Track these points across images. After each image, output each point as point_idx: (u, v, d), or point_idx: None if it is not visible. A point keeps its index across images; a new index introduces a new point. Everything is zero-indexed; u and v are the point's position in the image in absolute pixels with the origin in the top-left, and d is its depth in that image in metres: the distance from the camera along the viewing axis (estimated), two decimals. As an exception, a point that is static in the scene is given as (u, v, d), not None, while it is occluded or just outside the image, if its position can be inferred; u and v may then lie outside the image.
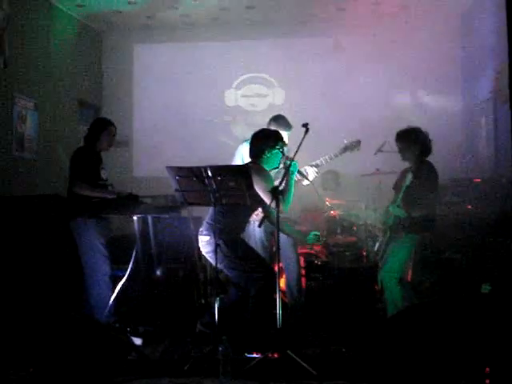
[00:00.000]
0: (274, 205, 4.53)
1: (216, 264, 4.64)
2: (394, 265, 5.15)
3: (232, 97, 9.33)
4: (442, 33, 8.16)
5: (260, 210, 5.26)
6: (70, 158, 5.51)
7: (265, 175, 4.79)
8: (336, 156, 5.78)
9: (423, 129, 5.29)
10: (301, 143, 4.64)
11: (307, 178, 5.49)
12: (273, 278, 4.61)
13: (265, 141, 4.90)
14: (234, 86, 9.33)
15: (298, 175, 5.28)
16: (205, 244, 4.86)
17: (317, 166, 5.70)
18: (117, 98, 9.32)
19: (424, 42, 8.16)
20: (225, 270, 4.88)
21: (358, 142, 5.83)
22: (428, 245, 5.50)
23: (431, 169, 5.23)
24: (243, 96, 9.30)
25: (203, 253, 4.94)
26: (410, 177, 5.12)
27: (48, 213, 5.98)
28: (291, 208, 5.39)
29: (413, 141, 5.25)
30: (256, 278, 4.76)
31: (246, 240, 5.17)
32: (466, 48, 8.52)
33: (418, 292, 5.40)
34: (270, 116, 5.83)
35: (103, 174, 5.50)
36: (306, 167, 5.60)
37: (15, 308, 5.23)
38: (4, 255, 5.61)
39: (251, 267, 4.76)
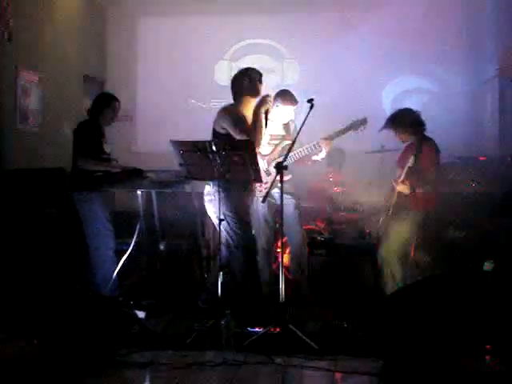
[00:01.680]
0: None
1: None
2: (395, 241, 5.18)
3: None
4: (448, 10, 8.09)
5: (264, 185, 5.26)
6: (72, 132, 5.51)
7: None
8: (342, 133, 5.75)
9: (413, 108, 5.37)
10: (306, 118, 4.63)
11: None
12: (251, 253, 4.78)
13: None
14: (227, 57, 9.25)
15: (312, 148, 5.31)
16: (206, 193, 4.97)
17: (331, 138, 5.66)
18: (121, 72, 9.26)
19: (430, 20, 8.09)
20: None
21: (365, 120, 5.80)
22: (432, 222, 5.50)
23: (431, 145, 5.26)
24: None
25: (205, 202, 4.98)
26: (412, 158, 5.14)
27: (52, 186, 5.99)
28: (297, 184, 5.42)
29: (402, 123, 5.32)
30: (236, 255, 4.84)
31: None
32: (471, 25, 8.43)
33: (419, 269, 5.42)
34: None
35: (106, 148, 5.50)
36: (320, 140, 5.54)
37: (19, 281, 5.26)
38: (8, 228, 5.63)
39: (233, 226, 4.83)
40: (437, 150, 5.28)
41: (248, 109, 4.96)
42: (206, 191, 4.98)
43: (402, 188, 5.19)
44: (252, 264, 4.87)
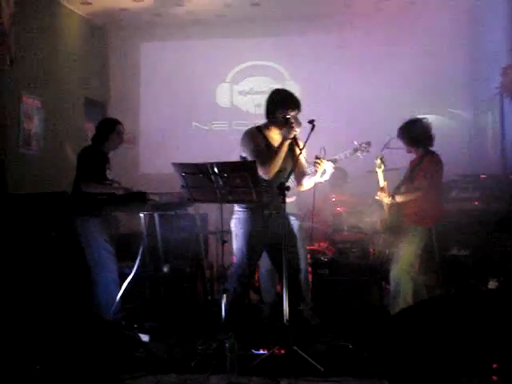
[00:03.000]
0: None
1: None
2: (403, 258, 5.17)
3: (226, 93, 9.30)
4: (448, 29, 8.13)
5: None
6: (76, 157, 5.53)
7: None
8: (346, 157, 5.81)
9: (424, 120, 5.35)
10: (307, 139, 4.63)
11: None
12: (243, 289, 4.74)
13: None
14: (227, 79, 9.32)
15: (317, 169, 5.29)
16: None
17: (334, 161, 5.66)
18: (123, 96, 9.31)
19: (430, 38, 8.13)
20: None
21: (368, 144, 5.87)
22: (434, 241, 5.49)
23: (432, 159, 5.25)
24: (240, 93, 9.35)
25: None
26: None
27: (55, 210, 6.00)
28: (300, 206, 5.40)
29: (408, 133, 5.33)
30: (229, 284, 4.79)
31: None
32: (473, 43, 8.47)
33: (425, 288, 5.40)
34: None
35: (109, 175, 5.52)
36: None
37: (22, 305, 5.25)
38: (10, 252, 5.63)
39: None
40: (436, 164, 5.24)
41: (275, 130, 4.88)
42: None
43: (381, 196, 5.25)
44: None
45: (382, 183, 5.36)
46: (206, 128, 8.60)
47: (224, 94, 9.32)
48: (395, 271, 5.24)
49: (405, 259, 5.19)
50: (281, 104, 4.74)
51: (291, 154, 4.80)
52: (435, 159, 5.26)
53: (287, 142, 4.68)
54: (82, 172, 5.40)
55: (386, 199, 5.27)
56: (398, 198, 5.23)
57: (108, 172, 5.52)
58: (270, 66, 9.21)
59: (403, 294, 5.16)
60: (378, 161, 5.39)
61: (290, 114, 4.70)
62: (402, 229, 5.26)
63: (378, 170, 5.38)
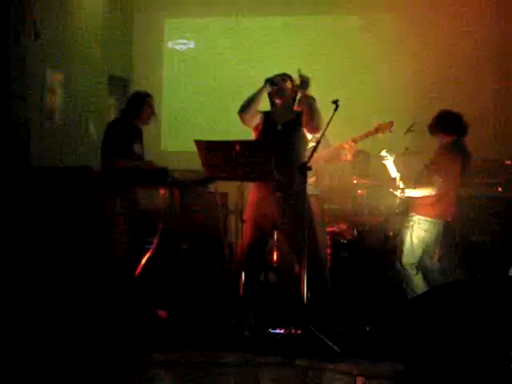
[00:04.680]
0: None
1: None
2: (404, 249, 5.12)
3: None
4: (476, 9, 7.98)
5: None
6: (104, 131, 5.50)
7: None
8: (367, 136, 5.73)
9: (454, 110, 5.22)
10: (330, 119, 4.60)
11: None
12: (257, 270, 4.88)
13: None
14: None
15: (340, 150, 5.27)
16: None
17: (355, 140, 5.62)
18: (146, 72, 9.29)
19: (457, 19, 7.99)
20: None
21: (391, 124, 5.78)
22: (455, 227, 5.44)
23: (449, 153, 5.08)
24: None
25: None
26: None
27: (77, 185, 6.02)
28: (321, 185, 5.38)
29: (436, 125, 5.19)
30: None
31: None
32: (502, 23, 8.30)
33: (444, 275, 5.36)
34: None
35: (136, 149, 5.47)
36: (345, 144, 5.50)
37: (42, 278, 5.31)
38: (31, 225, 5.68)
39: None
40: (454, 159, 5.07)
41: None
42: None
43: (393, 188, 5.14)
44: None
45: (395, 174, 5.18)
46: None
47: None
48: (398, 265, 5.18)
49: (405, 251, 5.13)
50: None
51: (301, 130, 4.86)
52: (454, 154, 5.08)
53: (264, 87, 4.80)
54: (107, 146, 5.37)
55: (397, 192, 5.12)
56: (409, 193, 5.08)
57: (136, 147, 5.46)
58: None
59: (411, 287, 5.11)
60: (384, 153, 5.23)
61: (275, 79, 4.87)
62: (406, 217, 5.19)
63: (385, 162, 5.23)
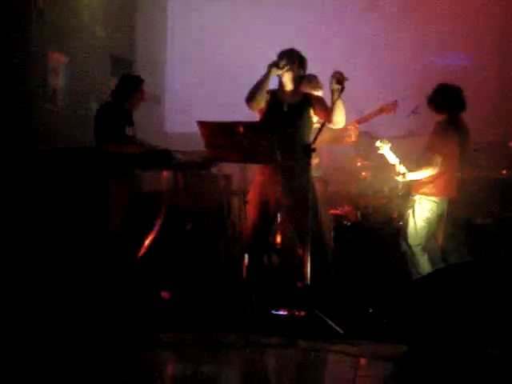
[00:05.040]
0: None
1: None
2: (409, 230, 5.11)
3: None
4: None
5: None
6: (96, 113, 5.48)
7: None
8: (371, 118, 5.72)
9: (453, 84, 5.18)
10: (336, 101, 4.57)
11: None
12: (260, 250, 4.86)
13: None
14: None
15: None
16: None
17: (359, 122, 5.61)
18: (150, 53, 9.24)
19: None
20: None
21: (395, 104, 5.75)
22: (458, 210, 5.42)
23: (443, 129, 5.05)
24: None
25: None
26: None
27: (79, 166, 6.02)
28: (324, 169, 5.36)
29: (433, 99, 5.14)
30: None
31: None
32: (504, 4, 8.22)
33: (446, 258, 5.36)
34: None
35: (129, 132, 5.45)
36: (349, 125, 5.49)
37: (50, 261, 5.32)
38: (35, 207, 5.68)
39: None
40: (449, 135, 5.03)
41: None
42: None
43: (394, 174, 5.12)
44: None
45: (393, 161, 5.15)
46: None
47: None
48: (404, 246, 5.18)
49: (410, 231, 5.12)
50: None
51: (308, 112, 4.80)
52: (449, 130, 5.03)
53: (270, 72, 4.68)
54: (100, 130, 5.35)
55: (398, 177, 5.11)
56: (410, 176, 5.07)
57: (129, 129, 5.45)
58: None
59: (415, 268, 5.12)
60: (378, 143, 5.17)
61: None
62: (409, 198, 5.18)
63: (381, 152, 5.18)
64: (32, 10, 6.49)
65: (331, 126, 4.74)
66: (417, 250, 5.10)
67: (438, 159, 4.96)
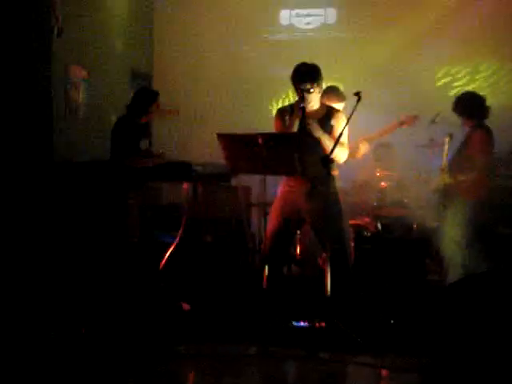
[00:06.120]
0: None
1: None
2: (451, 230, 5.13)
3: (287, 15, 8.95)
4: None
5: None
6: (112, 127, 5.53)
7: None
8: (391, 131, 5.75)
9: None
10: (352, 112, 4.57)
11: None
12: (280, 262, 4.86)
13: None
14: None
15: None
16: None
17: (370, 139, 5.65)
18: (168, 67, 9.30)
19: (479, 9, 7.87)
20: None
21: (415, 117, 5.77)
22: (479, 218, 5.40)
23: (483, 132, 5.16)
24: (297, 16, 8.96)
25: None
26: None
27: (99, 179, 6.06)
28: (344, 180, 5.36)
29: (461, 106, 5.22)
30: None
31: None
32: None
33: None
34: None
35: (144, 145, 5.50)
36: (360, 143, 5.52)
37: (69, 271, 5.35)
38: (56, 220, 5.72)
39: None
40: (488, 139, 5.17)
41: None
42: None
43: (443, 177, 5.15)
44: None
45: (444, 164, 5.25)
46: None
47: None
48: (444, 244, 5.20)
49: (450, 231, 5.14)
50: (292, 78, 4.73)
51: (329, 126, 4.76)
52: (486, 135, 5.16)
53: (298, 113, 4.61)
54: (116, 144, 5.40)
55: (448, 180, 5.18)
56: (460, 177, 5.13)
57: (144, 142, 5.49)
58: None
59: (453, 267, 5.13)
60: (448, 138, 5.26)
61: (301, 87, 4.63)
62: (452, 200, 5.19)
63: (446, 146, 5.25)
64: (53, 25, 6.57)
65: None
66: (458, 249, 5.13)
67: (481, 162, 5.05)
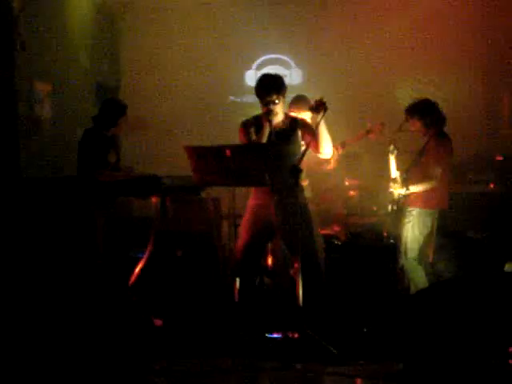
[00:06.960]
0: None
1: None
2: (409, 243, 5.13)
3: (253, 76, 9.16)
4: (466, 4, 7.97)
5: None
6: (79, 140, 5.46)
7: None
8: (357, 140, 5.78)
9: (434, 101, 5.24)
10: (319, 122, 4.57)
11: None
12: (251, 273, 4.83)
13: None
14: (253, 67, 9.29)
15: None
16: None
17: (342, 145, 5.68)
18: (134, 79, 9.25)
19: (445, 15, 7.99)
20: None
21: (382, 125, 5.79)
22: (449, 224, 5.45)
23: (441, 142, 5.13)
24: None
25: None
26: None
27: (65, 195, 5.98)
28: (313, 187, 5.36)
29: (418, 111, 5.17)
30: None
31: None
32: (491, 21, 8.30)
33: (436, 272, 5.37)
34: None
35: (111, 158, 5.43)
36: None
37: (38, 288, 5.27)
38: (21, 235, 5.63)
39: None
40: (446, 148, 5.14)
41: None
42: None
43: (394, 187, 5.13)
44: None
45: (395, 173, 5.17)
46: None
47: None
48: (403, 260, 5.21)
49: (408, 244, 5.14)
50: (257, 90, 4.73)
51: (295, 136, 4.76)
52: (445, 143, 5.14)
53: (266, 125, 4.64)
54: (83, 157, 5.34)
55: (401, 190, 5.13)
56: (413, 189, 5.10)
57: (110, 156, 5.41)
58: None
59: (414, 282, 5.14)
60: (391, 147, 5.19)
61: (267, 99, 4.62)
62: (404, 212, 5.19)
63: (390, 156, 5.19)
64: (16, 39, 6.49)
65: (320, 156, 4.75)
66: (415, 263, 5.13)
67: (439, 171, 5.01)
